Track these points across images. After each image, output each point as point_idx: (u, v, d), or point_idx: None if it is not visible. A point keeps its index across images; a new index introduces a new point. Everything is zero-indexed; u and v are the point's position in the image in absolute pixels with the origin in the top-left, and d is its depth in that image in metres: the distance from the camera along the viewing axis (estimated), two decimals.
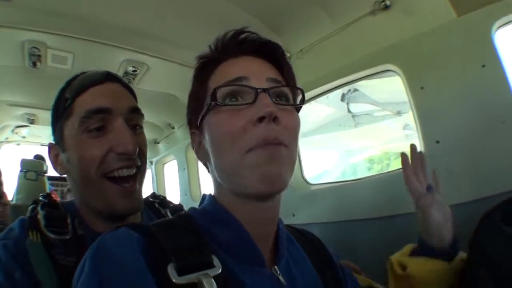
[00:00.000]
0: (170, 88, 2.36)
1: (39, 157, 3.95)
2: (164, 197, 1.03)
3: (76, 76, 0.81)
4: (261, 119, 0.54)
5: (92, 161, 0.74)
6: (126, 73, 2.01)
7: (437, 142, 1.30)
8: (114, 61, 1.90)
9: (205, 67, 0.65)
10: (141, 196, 0.83)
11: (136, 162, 0.78)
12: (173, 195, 3.23)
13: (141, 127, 0.83)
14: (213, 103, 0.57)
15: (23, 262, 0.68)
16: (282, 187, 0.56)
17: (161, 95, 2.44)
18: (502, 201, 0.85)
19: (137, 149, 0.76)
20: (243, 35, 0.64)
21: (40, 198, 0.79)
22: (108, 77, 0.80)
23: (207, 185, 2.84)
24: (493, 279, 0.75)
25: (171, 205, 1.01)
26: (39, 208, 0.76)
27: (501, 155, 1.14)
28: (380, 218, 1.47)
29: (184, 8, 1.50)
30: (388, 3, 1.34)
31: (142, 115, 0.83)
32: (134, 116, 0.80)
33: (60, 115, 0.78)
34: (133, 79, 2.10)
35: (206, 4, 1.50)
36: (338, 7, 1.46)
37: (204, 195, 0.66)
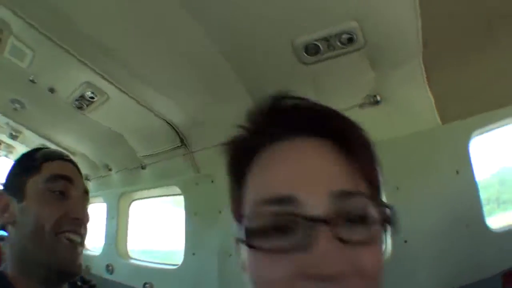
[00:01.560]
0: (122, 126, 2.14)
1: None
2: (94, 284, 1.11)
3: (41, 149, 0.98)
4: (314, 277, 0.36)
5: (49, 218, 0.83)
6: (82, 97, 1.80)
7: (405, 241, 1.34)
8: (75, 80, 1.70)
9: (240, 157, 0.46)
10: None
11: (83, 230, 0.88)
12: (94, 238, 2.85)
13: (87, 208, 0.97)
14: (245, 243, 0.40)
15: None
16: None
17: (108, 131, 2.20)
18: None
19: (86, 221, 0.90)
20: (290, 104, 0.44)
21: None
22: (66, 158, 0.97)
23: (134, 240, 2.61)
24: None
25: None
26: None
27: (462, 255, 1.23)
28: None
29: (161, 44, 1.43)
30: (378, 98, 1.38)
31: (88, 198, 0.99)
32: (85, 196, 0.94)
33: (25, 170, 0.90)
34: (87, 106, 1.88)
35: (190, 54, 1.45)
36: (330, 93, 1.47)
37: None
